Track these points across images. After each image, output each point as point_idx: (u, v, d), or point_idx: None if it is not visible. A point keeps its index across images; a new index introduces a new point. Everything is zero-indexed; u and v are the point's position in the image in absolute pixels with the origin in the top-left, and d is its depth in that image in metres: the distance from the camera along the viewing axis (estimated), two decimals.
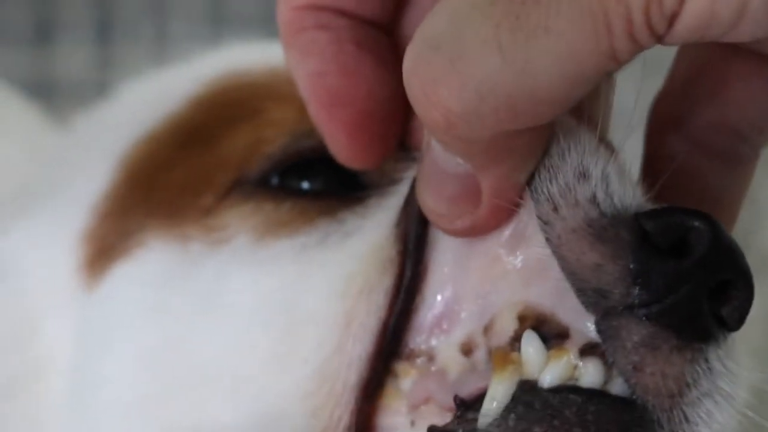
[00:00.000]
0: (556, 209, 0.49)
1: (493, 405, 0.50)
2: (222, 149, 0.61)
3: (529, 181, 0.50)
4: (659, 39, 0.44)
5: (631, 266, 0.48)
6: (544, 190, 0.50)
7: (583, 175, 0.50)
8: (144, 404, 0.59)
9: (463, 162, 0.48)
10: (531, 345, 0.51)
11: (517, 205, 0.50)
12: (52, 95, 1.35)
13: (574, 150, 0.50)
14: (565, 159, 0.50)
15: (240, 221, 0.58)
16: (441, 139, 0.48)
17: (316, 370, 0.54)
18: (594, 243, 0.48)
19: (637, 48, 0.43)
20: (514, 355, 0.51)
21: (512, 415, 0.50)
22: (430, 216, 0.51)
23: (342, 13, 0.53)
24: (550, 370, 0.51)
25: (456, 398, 0.52)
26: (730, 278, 0.49)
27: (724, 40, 0.44)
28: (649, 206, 0.51)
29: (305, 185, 0.59)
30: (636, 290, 0.48)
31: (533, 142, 0.49)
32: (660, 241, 0.49)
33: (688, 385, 0.50)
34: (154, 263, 0.61)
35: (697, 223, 0.49)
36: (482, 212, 0.50)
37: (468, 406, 0.51)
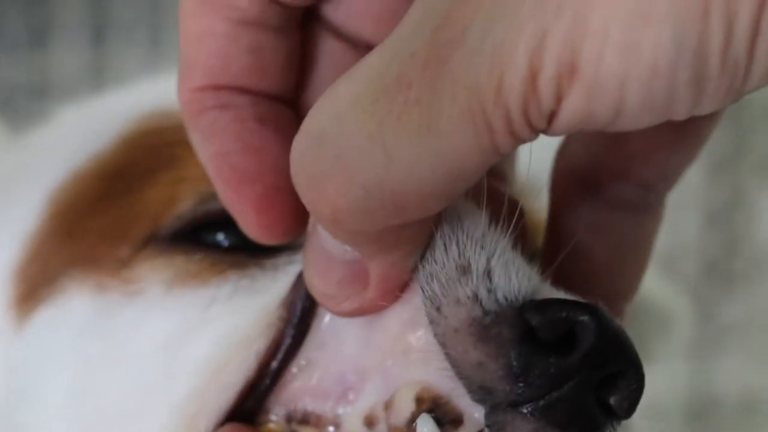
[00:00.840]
0: (438, 309, 0.49)
1: None
2: (139, 201, 0.62)
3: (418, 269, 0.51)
4: (540, 132, 0.44)
5: (514, 363, 0.48)
6: (427, 288, 0.50)
7: (464, 270, 0.50)
8: None
9: (351, 249, 0.49)
10: (426, 430, 0.51)
11: (405, 290, 0.51)
12: (47, 99, 1.35)
13: (456, 241, 0.50)
14: (448, 252, 0.50)
15: (153, 274, 0.59)
16: (330, 231, 0.48)
17: (177, 411, 0.55)
18: (477, 342, 0.48)
19: (520, 142, 0.44)
20: None
21: None
22: (317, 297, 0.51)
23: (242, 90, 0.53)
24: None
25: None
26: (618, 370, 0.49)
27: (607, 130, 0.44)
28: (537, 296, 0.50)
29: (220, 238, 0.60)
30: (520, 387, 0.48)
31: (421, 231, 0.49)
32: (546, 335, 0.48)
33: None
34: (74, 310, 0.62)
35: (582, 317, 0.48)
36: (370, 295, 0.50)
37: None
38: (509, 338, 0.48)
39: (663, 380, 1.47)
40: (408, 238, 0.48)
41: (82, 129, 0.70)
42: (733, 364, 1.56)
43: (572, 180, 0.57)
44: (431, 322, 0.50)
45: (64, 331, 0.62)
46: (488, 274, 0.49)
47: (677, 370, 1.51)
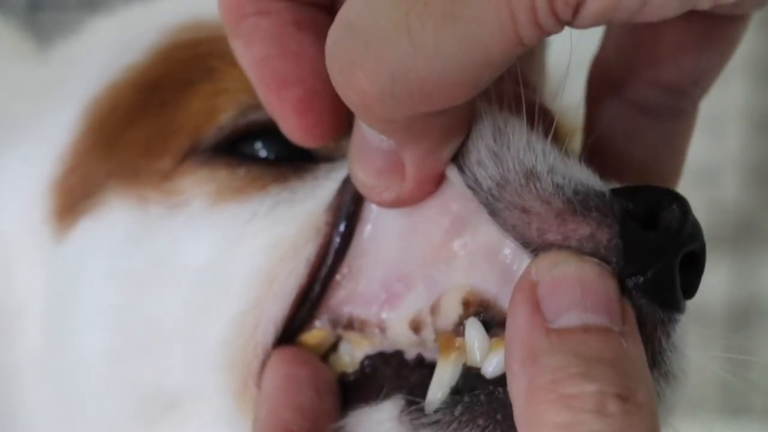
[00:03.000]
0: (508, 204, 0.50)
1: (438, 392, 0.51)
2: (178, 112, 0.62)
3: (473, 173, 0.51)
4: (565, 24, 0.44)
5: (619, 237, 0.48)
6: (487, 192, 0.50)
7: (531, 173, 0.50)
8: (108, 359, 0.61)
9: (386, 138, 0.50)
10: (474, 333, 0.51)
11: (441, 181, 0.52)
12: (72, 10, 1.33)
13: (507, 146, 0.51)
14: (502, 157, 0.51)
15: (196, 187, 0.60)
16: (361, 118, 0.49)
17: (234, 322, 0.56)
18: (583, 217, 0.49)
19: (544, 34, 0.44)
20: (459, 340, 0.52)
21: (459, 407, 0.51)
22: (360, 188, 0.52)
23: None
24: (492, 359, 0.51)
25: (404, 380, 0.53)
26: (695, 249, 0.50)
27: (633, 21, 0.45)
28: (614, 185, 0.51)
29: (261, 152, 0.60)
30: (621, 260, 0.48)
31: (452, 122, 0.50)
32: (638, 217, 0.49)
33: (655, 363, 0.50)
34: (116, 223, 0.62)
35: (669, 201, 0.50)
36: (407, 186, 0.51)
37: (415, 387, 0.53)
38: (613, 211, 0.49)
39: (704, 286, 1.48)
40: (437, 127, 0.49)
41: (115, 41, 0.70)
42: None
43: (605, 85, 0.58)
44: (495, 214, 0.50)
45: (105, 244, 0.62)
46: (552, 170, 0.50)
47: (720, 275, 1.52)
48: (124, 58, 0.67)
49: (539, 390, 0.44)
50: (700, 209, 0.51)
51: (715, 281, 1.55)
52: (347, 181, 0.55)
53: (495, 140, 0.51)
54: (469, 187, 0.51)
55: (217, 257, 0.58)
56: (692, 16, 0.49)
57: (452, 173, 0.51)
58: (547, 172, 0.50)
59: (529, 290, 0.47)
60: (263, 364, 0.55)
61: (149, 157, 0.62)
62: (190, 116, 0.62)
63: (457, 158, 0.51)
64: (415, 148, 0.50)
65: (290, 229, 0.57)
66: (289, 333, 0.56)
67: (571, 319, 0.46)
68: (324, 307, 0.55)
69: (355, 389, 0.55)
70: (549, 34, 0.45)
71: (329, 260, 0.55)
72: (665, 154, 0.59)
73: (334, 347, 0.56)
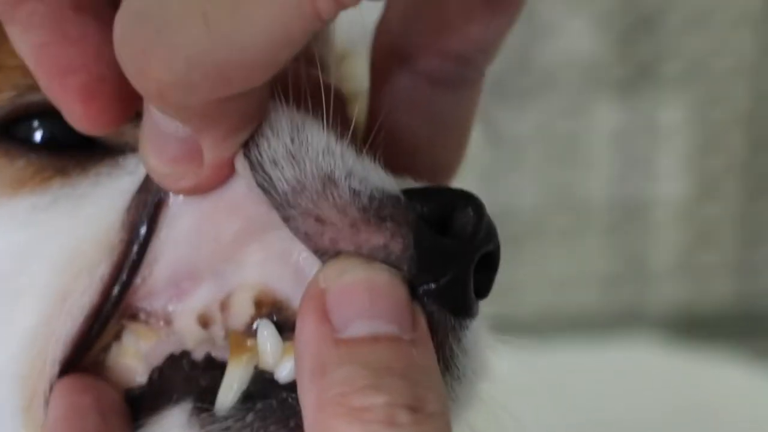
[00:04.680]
0: (301, 209, 0.48)
1: (229, 396, 0.50)
2: None
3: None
4: None
5: (413, 245, 0.47)
6: (281, 196, 0.49)
7: (329, 179, 0.49)
8: None
9: (182, 125, 0.48)
10: (266, 335, 0.50)
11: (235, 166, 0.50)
12: None
13: (302, 150, 0.49)
14: (299, 162, 0.49)
15: None
16: (156, 107, 0.47)
17: (26, 339, 0.54)
18: (376, 226, 0.48)
19: (342, 7, 0.43)
20: (251, 341, 0.50)
21: (250, 414, 0.49)
22: (154, 176, 0.50)
23: None
24: (286, 364, 0.49)
25: (194, 384, 0.52)
26: (490, 250, 0.50)
27: None
28: (410, 183, 0.51)
29: (38, 135, 0.56)
30: (414, 269, 0.47)
31: (250, 104, 0.48)
32: (432, 221, 0.49)
33: (447, 368, 0.50)
34: None
35: (464, 203, 0.49)
36: (205, 172, 0.49)
37: (206, 391, 0.51)
38: (407, 219, 0.48)
39: None
40: (236, 111, 0.47)
41: None
42: (523, 180, 1.63)
43: (391, 56, 0.56)
44: (288, 219, 0.48)
45: None
46: (350, 175, 0.49)
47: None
48: None
49: (328, 404, 0.43)
50: None
51: None
52: (140, 192, 0.53)
53: (293, 140, 0.49)
54: (262, 188, 0.49)
55: (2, 257, 0.55)
56: None
57: (244, 171, 0.49)
58: (345, 177, 0.48)
59: (318, 298, 0.45)
60: (50, 385, 0.53)
61: None
62: None
63: (251, 153, 0.49)
64: (213, 134, 0.48)
65: (82, 242, 0.54)
66: (81, 348, 0.54)
67: (359, 328, 0.45)
68: (116, 315, 0.54)
69: (147, 401, 0.53)
70: (347, 7, 0.43)
71: (123, 276, 0.53)
72: (452, 126, 0.58)
73: (117, 336, 0.54)
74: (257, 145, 0.49)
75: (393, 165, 0.54)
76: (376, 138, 0.53)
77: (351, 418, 0.43)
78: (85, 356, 0.54)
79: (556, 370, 1.35)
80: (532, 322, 1.57)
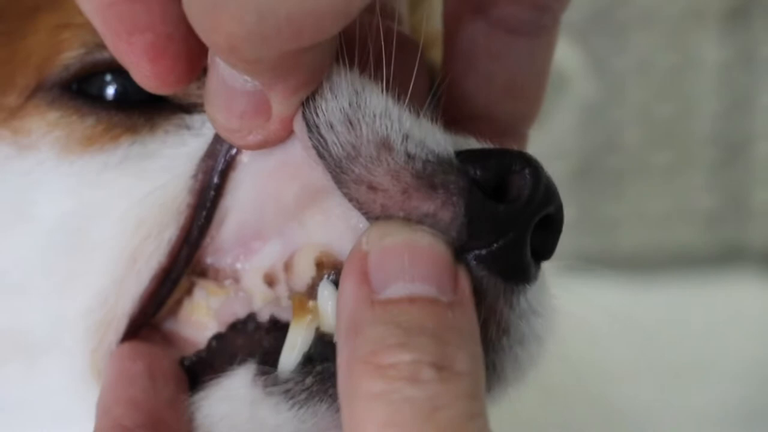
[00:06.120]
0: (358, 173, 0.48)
1: (291, 358, 0.51)
2: (22, 42, 0.59)
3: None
4: None
5: (464, 212, 0.47)
6: (335, 163, 0.49)
7: (384, 143, 0.48)
8: None
9: (251, 79, 0.48)
10: (327, 296, 0.50)
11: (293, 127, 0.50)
12: None
13: (361, 116, 0.49)
14: (356, 127, 0.49)
15: (44, 129, 0.58)
16: (227, 61, 0.47)
17: (98, 296, 0.55)
18: (426, 194, 0.48)
19: None
20: (312, 303, 0.51)
21: (310, 377, 0.50)
22: (222, 132, 0.50)
23: None
24: None
25: (257, 345, 0.52)
26: (550, 212, 0.50)
27: None
28: (469, 145, 0.50)
29: (110, 90, 0.57)
30: (464, 235, 0.48)
31: (320, 57, 0.48)
32: (487, 185, 0.48)
33: (504, 332, 0.50)
34: None
35: (521, 168, 0.49)
36: (273, 126, 0.49)
37: (269, 352, 0.52)
38: (459, 186, 0.48)
39: (558, 143, 1.50)
40: (305, 64, 0.47)
41: None
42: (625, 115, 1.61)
43: (464, 3, 0.56)
44: (341, 184, 0.48)
45: None
46: (407, 138, 0.49)
47: (571, 130, 1.55)
48: None
49: (358, 362, 0.44)
50: None
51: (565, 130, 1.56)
52: (207, 157, 0.54)
53: (350, 104, 0.49)
54: (317, 150, 0.49)
55: (72, 216, 0.56)
56: None
57: (301, 133, 0.49)
58: (402, 141, 0.48)
59: (359, 261, 0.46)
60: (117, 338, 0.55)
61: None
62: (34, 50, 0.59)
63: (308, 114, 0.49)
64: (282, 87, 0.48)
65: (151, 205, 0.55)
66: (152, 305, 0.55)
67: (397, 289, 0.45)
68: (186, 274, 0.55)
69: (206, 365, 0.54)
70: None
71: (192, 238, 0.54)
72: (530, 72, 0.57)
73: (189, 292, 0.56)
74: (315, 107, 0.49)
75: (467, 115, 0.55)
76: (447, 90, 0.54)
77: (377, 375, 0.43)
78: (158, 312, 0.55)
79: (656, 307, 1.35)
80: (633, 259, 1.56)
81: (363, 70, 0.50)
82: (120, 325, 0.55)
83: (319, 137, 0.48)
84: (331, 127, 0.48)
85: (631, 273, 1.39)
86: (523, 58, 0.56)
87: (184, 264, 0.54)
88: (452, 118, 0.54)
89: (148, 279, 0.55)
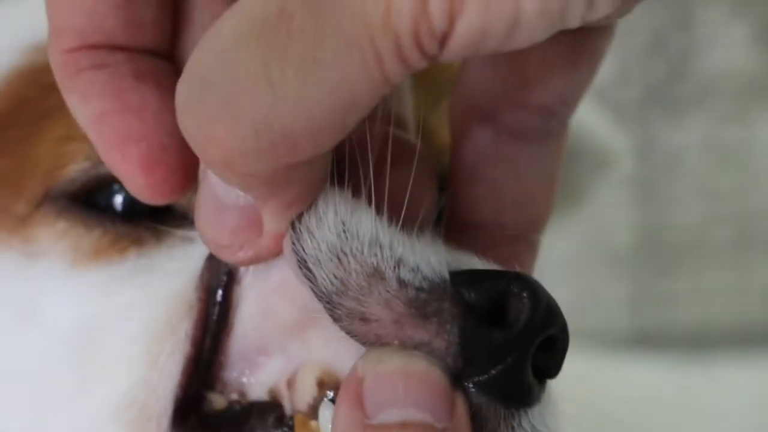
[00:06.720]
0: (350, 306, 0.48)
1: None
2: (32, 149, 0.60)
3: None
4: (432, 59, 0.42)
5: (458, 340, 0.47)
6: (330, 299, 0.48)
7: (376, 272, 0.48)
8: None
9: (243, 194, 0.47)
10: (327, 418, 0.50)
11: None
12: None
13: (350, 249, 0.48)
14: (346, 261, 0.48)
15: (52, 239, 0.58)
16: (221, 175, 0.46)
17: (123, 401, 0.55)
18: (418, 322, 0.47)
19: (410, 70, 0.42)
20: (314, 424, 0.50)
21: None
22: (212, 247, 0.50)
23: (117, 48, 0.50)
24: None
25: None
26: (552, 334, 0.49)
27: (501, 50, 0.43)
28: (458, 267, 0.49)
29: (118, 200, 0.57)
30: (465, 363, 0.47)
31: (314, 172, 0.47)
32: (481, 309, 0.48)
33: None
34: None
35: (517, 290, 0.48)
36: (265, 242, 0.49)
37: None
38: (453, 314, 0.47)
39: (610, 219, 1.49)
40: (301, 179, 0.47)
41: None
42: (682, 191, 1.59)
43: (471, 112, 0.55)
44: (334, 318, 0.48)
45: None
46: (399, 264, 0.48)
47: (622, 206, 1.53)
48: None
49: None
50: None
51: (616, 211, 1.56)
52: (212, 258, 0.53)
53: (338, 235, 0.48)
54: (308, 282, 0.48)
55: (83, 326, 0.56)
56: (558, 34, 0.46)
57: (292, 264, 0.48)
58: (393, 268, 0.47)
59: (355, 385, 0.46)
60: None
61: (6, 196, 0.60)
62: (41, 159, 0.59)
63: (296, 245, 0.48)
64: (276, 202, 0.47)
65: (160, 308, 0.55)
66: (190, 399, 0.54)
67: (391, 415, 0.45)
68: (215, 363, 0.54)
69: None
70: (416, 70, 0.43)
71: (211, 328, 0.54)
72: (539, 179, 0.56)
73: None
74: (301, 240, 0.48)
75: (476, 224, 0.54)
76: (455, 198, 0.53)
77: None
78: (202, 403, 0.54)
79: (713, 386, 1.33)
80: (690, 337, 1.55)
81: (356, 181, 0.49)
82: (158, 426, 0.54)
83: (308, 271, 0.48)
84: (318, 262, 0.48)
85: (687, 351, 1.38)
86: (531, 165, 0.55)
87: (210, 351, 0.54)
88: (460, 227, 0.54)
89: (175, 372, 0.54)
